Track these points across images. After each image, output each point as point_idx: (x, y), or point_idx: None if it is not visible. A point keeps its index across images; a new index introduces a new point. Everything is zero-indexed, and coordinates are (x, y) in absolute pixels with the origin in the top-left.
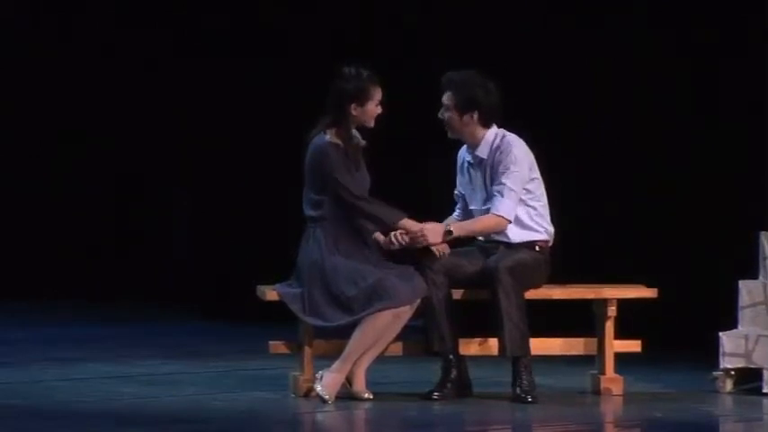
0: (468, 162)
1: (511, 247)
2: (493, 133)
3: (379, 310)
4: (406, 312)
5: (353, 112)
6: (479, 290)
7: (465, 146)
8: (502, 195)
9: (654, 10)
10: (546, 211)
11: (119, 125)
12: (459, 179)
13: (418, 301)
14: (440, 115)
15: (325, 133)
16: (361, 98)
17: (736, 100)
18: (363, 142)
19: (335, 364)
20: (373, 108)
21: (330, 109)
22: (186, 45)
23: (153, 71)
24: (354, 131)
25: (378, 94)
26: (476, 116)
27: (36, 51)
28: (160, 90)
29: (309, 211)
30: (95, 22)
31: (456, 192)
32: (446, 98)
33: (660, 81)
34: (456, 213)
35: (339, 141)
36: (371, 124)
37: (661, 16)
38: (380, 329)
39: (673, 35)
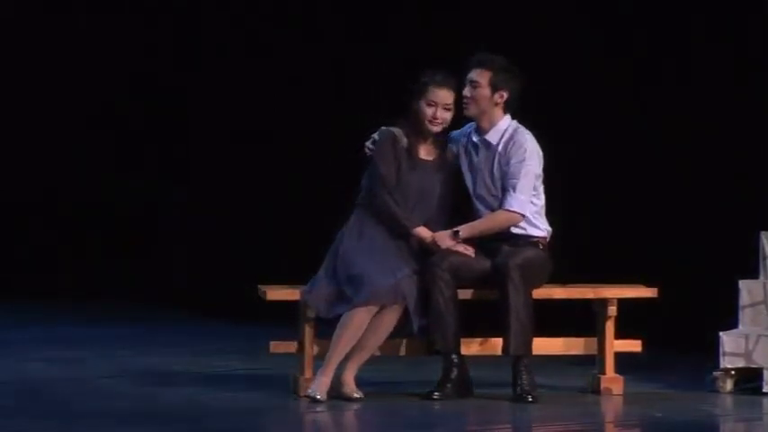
0: (474, 143)
1: (513, 243)
2: (506, 122)
3: (354, 307)
4: (376, 311)
5: (415, 108)
6: (488, 289)
7: (473, 125)
8: (514, 191)
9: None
10: (543, 211)
11: (117, 124)
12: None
13: (397, 306)
14: (465, 92)
15: (397, 124)
16: (419, 95)
17: (736, 100)
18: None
19: (320, 369)
20: (424, 108)
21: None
22: (186, 45)
23: (151, 70)
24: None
25: (433, 96)
26: (505, 97)
27: (43, 48)
28: (159, 90)
29: (361, 194)
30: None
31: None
32: (477, 75)
33: (660, 80)
34: None
35: (401, 135)
36: (430, 127)
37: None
38: (356, 328)
39: (673, 36)
